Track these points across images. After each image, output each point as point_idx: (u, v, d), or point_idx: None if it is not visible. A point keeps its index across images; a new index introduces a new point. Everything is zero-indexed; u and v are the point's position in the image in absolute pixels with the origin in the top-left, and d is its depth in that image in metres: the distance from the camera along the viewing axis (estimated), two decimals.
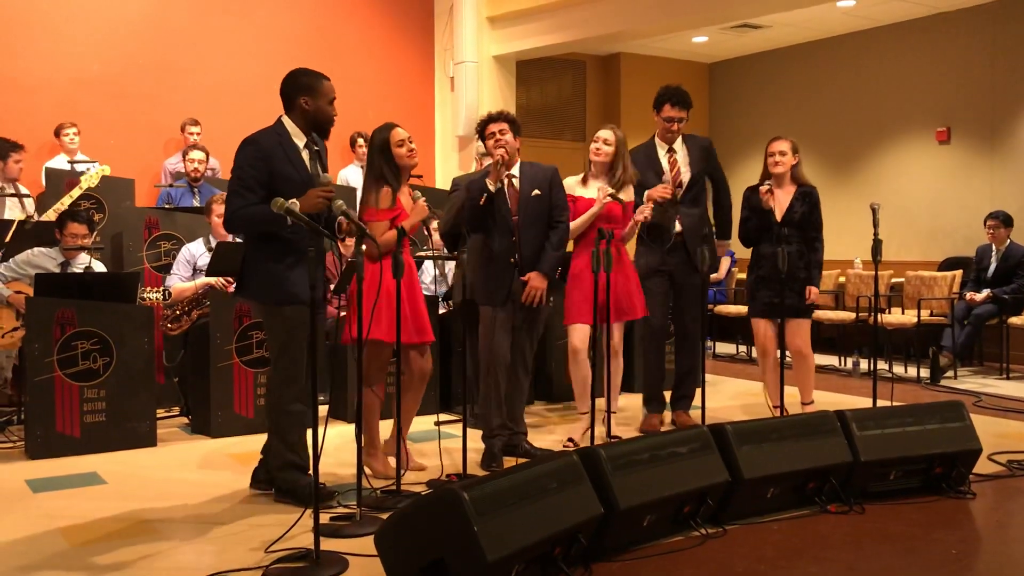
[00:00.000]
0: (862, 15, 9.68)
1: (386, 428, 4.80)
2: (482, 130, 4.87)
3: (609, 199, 5.02)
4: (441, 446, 4.74)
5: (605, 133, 5.22)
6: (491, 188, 4.68)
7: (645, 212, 5.21)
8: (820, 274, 5.64)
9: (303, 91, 4.08)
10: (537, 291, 4.75)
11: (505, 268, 4.74)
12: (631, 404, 6.07)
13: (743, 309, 9.19)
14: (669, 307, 5.69)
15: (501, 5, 9.93)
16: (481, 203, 4.67)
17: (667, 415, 5.81)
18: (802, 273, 5.44)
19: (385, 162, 4.50)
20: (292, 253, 3.99)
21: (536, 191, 4.79)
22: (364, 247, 3.83)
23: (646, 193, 5.39)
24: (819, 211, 5.53)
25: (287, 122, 4.10)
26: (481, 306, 4.80)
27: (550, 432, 5.50)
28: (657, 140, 5.64)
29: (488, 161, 5.18)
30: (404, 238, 4.17)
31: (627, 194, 5.23)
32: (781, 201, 5.49)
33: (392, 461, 4.65)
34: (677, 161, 5.59)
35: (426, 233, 6.78)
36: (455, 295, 6.35)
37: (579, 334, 5.09)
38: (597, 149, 5.19)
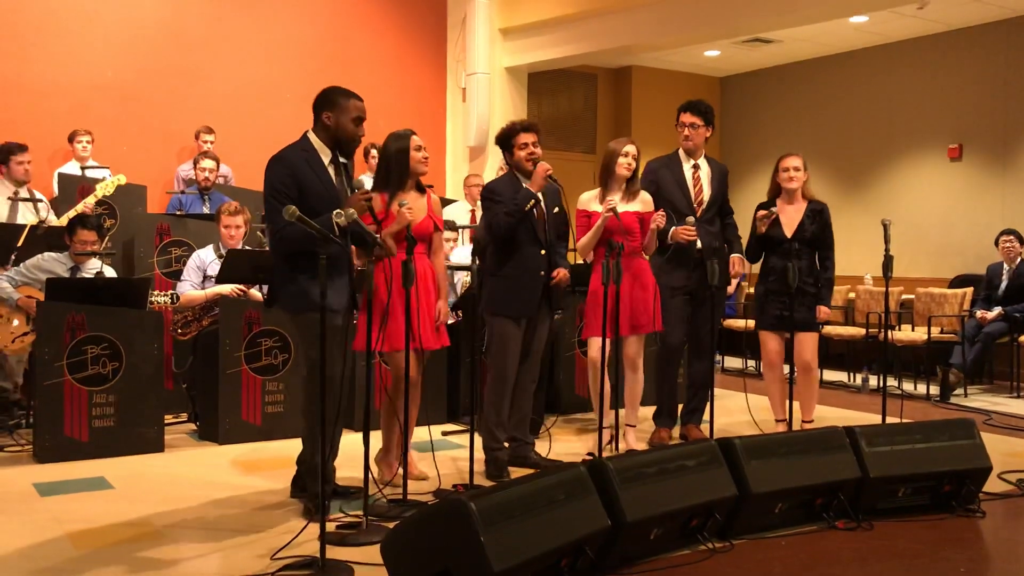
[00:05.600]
0: (875, 31, 9.68)
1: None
2: (509, 137, 4.86)
3: (611, 214, 5.02)
4: (445, 456, 4.73)
5: (632, 148, 5.23)
6: (538, 196, 4.74)
7: (658, 220, 5.18)
8: (831, 292, 5.67)
9: (326, 106, 4.11)
10: (566, 278, 4.92)
11: (537, 280, 4.78)
12: (641, 416, 6.03)
13: (752, 323, 9.17)
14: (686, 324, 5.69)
15: (513, 17, 9.97)
16: (528, 208, 4.71)
17: (676, 429, 5.79)
18: (811, 288, 5.48)
19: (394, 169, 4.51)
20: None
21: (556, 208, 4.90)
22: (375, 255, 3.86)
23: (673, 230, 5.33)
24: (831, 229, 5.57)
25: (312, 137, 4.12)
26: (496, 317, 4.80)
27: (558, 443, 5.49)
28: (681, 153, 5.65)
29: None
30: (415, 246, 4.22)
31: (645, 205, 5.25)
32: (792, 217, 5.51)
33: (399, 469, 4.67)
34: (700, 178, 5.60)
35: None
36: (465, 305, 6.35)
37: (595, 346, 5.11)
38: (629, 164, 5.19)
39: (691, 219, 5.32)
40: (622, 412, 5.18)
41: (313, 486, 4.05)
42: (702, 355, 5.72)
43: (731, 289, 9.67)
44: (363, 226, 3.93)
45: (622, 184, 5.21)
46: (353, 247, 4.26)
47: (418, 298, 4.37)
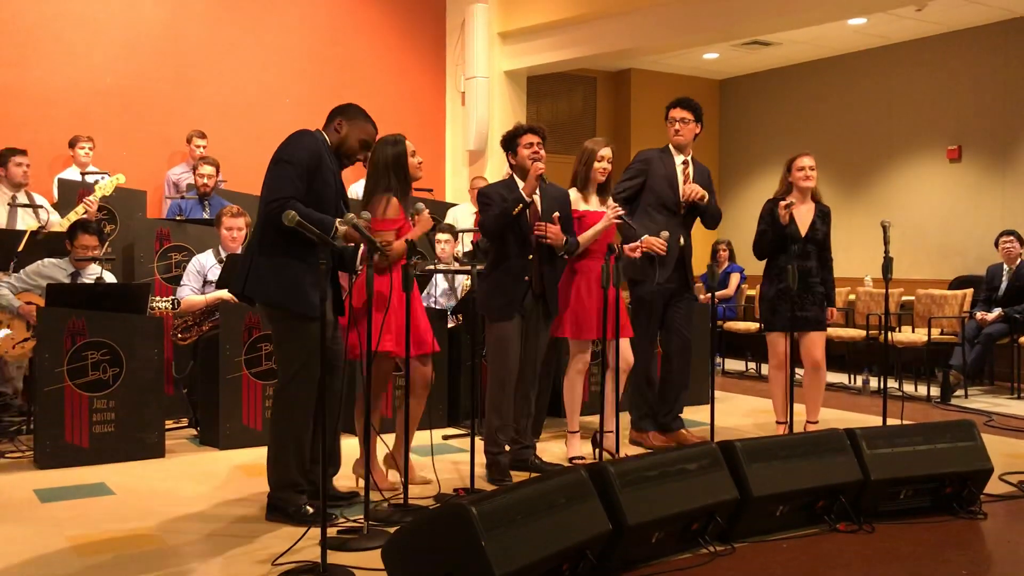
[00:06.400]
0: (873, 33, 9.69)
1: (389, 441, 4.77)
2: (513, 139, 4.85)
3: (617, 219, 5.03)
4: (446, 460, 4.73)
5: (608, 151, 5.20)
6: (527, 199, 4.68)
7: (636, 254, 5.22)
8: (835, 292, 5.74)
9: (343, 114, 4.13)
10: (555, 235, 4.74)
11: (518, 284, 4.74)
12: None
13: (753, 326, 9.17)
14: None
15: (512, 21, 9.98)
16: (515, 213, 4.65)
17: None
18: (819, 287, 5.52)
19: (396, 174, 4.49)
20: (314, 266, 3.88)
21: (557, 213, 4.81)
22: (375, 259, 3.84)
23: (645, 239, 5.26)
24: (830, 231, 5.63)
25: (326, 135, 4.13)
26: (493, 323, 4.79)
27: (559, 447, 5.48)
28: (672, 149, 5.65)
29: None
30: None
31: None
32: (804, 217, 5.54)
33: (390, 474, 4.66)
34: (689, 176, 5.60)
35: (430, 246, 6.84)
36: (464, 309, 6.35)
37: (591, 350, 5.11)
38: (605, 169, 5.17)
39: (665, 233, 5.25)
40: (610, 415, 5.12)
41: (295, 500, 4.02)
42: (680, 355, 5.64)
43: (730, 291, 9.67)
44: (361, 236, 3.89)
45: (596, 186, 5.19)
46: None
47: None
